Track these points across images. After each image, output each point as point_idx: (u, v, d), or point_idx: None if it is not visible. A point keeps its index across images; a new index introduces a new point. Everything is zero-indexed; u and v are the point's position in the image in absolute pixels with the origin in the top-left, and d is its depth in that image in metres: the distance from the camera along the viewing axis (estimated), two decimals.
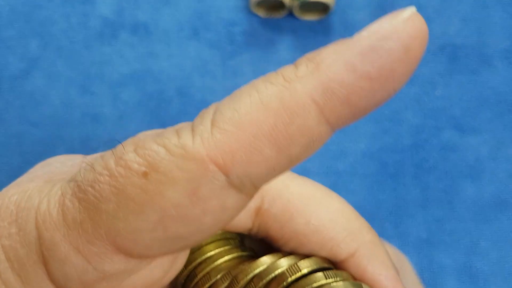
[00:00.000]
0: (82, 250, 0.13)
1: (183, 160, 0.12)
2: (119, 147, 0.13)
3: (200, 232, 0.13)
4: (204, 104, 0.36)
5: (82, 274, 0.13)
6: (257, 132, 0.12)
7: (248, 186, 0.13)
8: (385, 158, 0.35)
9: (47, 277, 0.13)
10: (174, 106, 0.36)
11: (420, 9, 0.40)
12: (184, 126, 0.13)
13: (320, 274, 0.16)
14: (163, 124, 0.36)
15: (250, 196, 0.13)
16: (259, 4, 0.37)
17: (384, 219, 0.34)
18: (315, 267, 0.17)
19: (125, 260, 0.13)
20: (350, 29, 0.37)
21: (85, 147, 0.36)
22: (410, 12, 0.13)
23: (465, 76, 0.36)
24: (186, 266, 0.17)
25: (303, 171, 0.34)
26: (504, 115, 0.35)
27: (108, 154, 0.13)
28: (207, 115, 0.13)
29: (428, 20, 0.37)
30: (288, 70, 0.13)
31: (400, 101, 0.36)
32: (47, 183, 0.14)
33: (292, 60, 0.36)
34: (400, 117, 0.35)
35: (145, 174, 0.12)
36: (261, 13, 0.37)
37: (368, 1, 0.38)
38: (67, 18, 0.38)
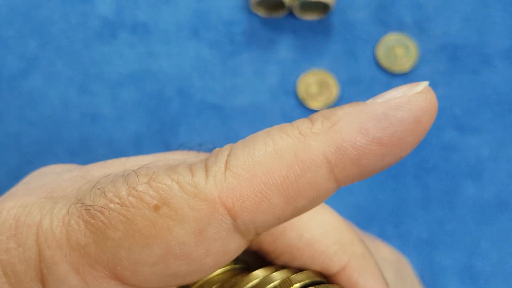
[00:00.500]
0: (82, 272, 0.13)
1: (194, 199, 0.13)
2: (133, 176, 0.13)
3: (199, 272, 0.14)
4: (204, 104, 0.36)
5: None
6: (269, 180, 0.13)
7: (251, 232, 0.13)
8: None
9: None
10: (173, 106, 0.36)
11: (421, 9, 0.40)
12: (198, 163, 0.14)
13: None
14: (163, 124, 0.36)
15: (250, 242, 0.14)
16: (259, 4, 0.37)
17: (384, 219, 0.34)
18: (307, 281, 0.17)
19: None
20: (350, 29, 0.37)
21: (84, 147, 0.36)
22: (423, 86, 0.14)
23: (466, 76, 0.36)
24: None
25: None
26: (505, 115, 0.35)
27: (120, 181, 0.13)
28: (222, 156, 0.13)
29: (428, 19, 0.37)
30: (304, 125, 0.14)
31: None
32: (48, 200, 0.15)
33: (292, 60, 0.36)
34: None
35: (156, 208, 0.13)
36: (261, 12, 0.37)
37: (368, 1, 0.38)
38: (67, 18, 0.38)
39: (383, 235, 0.34)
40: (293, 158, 0.13)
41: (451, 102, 0.36)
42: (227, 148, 0.14)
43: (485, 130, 0.35)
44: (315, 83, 0.36)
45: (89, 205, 0.13)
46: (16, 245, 0.14)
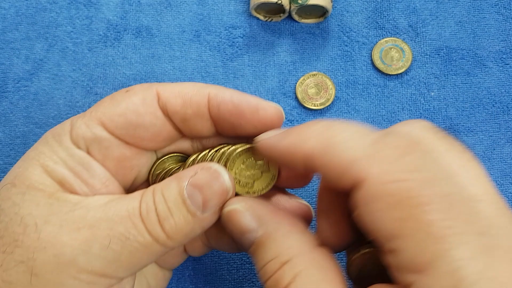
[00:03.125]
0: (87, 123, 0.24)
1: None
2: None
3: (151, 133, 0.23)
4: None
5: None
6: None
7: None
8: None
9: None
10: None
11: (416, 13, 0.41)
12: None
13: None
14: None
15: None
16: (258, 8, 0.37)
17: None
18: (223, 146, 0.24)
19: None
20: (347, 33, 0.37)
21: None
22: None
23: (460, 77, 0.36)
24: (151, 175, 0.25)
25: None
26: (499, 115, 0.35)
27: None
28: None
29: (424, 23, 0.37)
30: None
31: (397, 101, 0.36)
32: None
33: (291, 62, 0.37)
34: (396, 117, 0.36)
35: (127, 90, 0.25)
36: (261, 16, 0.37)
37: (365, 5, 0.38)
38: (72, 21, 0.38)
39: None
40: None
41: (445, 104, 0.36)
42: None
43: (479, 131, 0.35)
44: (313, 85, 0.36)
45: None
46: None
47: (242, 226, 0.22)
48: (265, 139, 0.23)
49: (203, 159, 0.24)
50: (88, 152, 0.23)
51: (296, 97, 0.36)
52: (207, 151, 0.25)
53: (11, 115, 0.36)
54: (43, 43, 0.38)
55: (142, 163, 0.25)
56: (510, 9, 0.37)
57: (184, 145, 0.26)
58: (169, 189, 0.21)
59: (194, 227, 0.22)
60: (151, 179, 0.26)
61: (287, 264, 0.20)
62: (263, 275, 0.21)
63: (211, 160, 0.24)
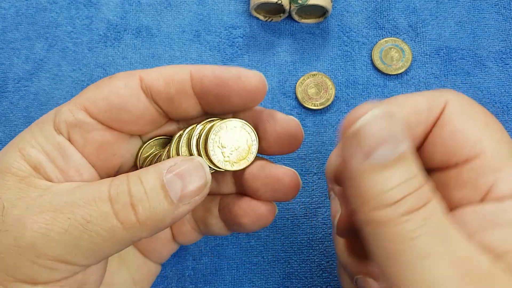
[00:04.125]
0: (72, 110, 0.24)
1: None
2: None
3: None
4: None
5: None
6: None
7: None
8: None
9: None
10: None
11: (416, 13, 0.41)
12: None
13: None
14: None
15: None
16: (258, 8, 0.37)
17: None
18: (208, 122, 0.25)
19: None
20: (347, 33, 0.37)
21: None
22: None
23: (460, 77, 0.36)
24: (139, 160, 0.26)
25: (304, 171, 0.35)
26: (498, 116, 0.35)
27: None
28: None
29: (424, 23, 0.37)
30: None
31: None
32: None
33: (291, 62, 0.37)
34: None
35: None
36: (261, 16, 0.38)
37: (365, 5, 0.38)
38: (72, 21, 0.38)
39: None
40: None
41: None
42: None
43: None
44: (313, 85, 0.36)
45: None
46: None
47: (390, 133, 0.18)
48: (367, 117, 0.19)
49: (190, 134, 0.24)
50: (69, 138, 0.23)
51: (296, 97, 0.36)
52: (195, 125, 0.25)
53: (11, 115, 0.36)
54: (43, 43, 0.38)
55: (126, 149, 0.25)
56: (510, 9, 0.38)
57: (171, 128, 0.26)
58: (147, 173, 0.21)
59: (167, 216, 0.21)
60: (139, 164, 0.26)
61: (426, 185, 0.18)
62: (402, 190, 0.18)
63: (199, 134, 0.24)
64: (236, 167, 0.24)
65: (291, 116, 0.24)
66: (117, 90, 0.23)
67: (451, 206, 0.20)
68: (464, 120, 0.20)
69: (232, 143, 0.24)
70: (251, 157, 0.25)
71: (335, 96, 0.36)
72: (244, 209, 0.25)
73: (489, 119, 0.20)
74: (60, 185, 0.21)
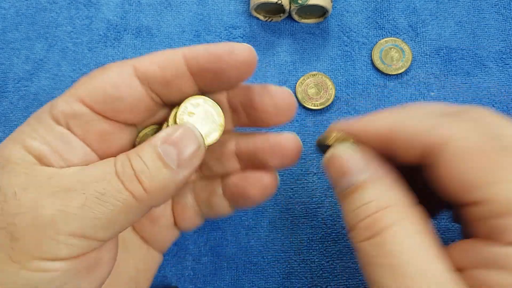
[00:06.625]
0: (68, 101, 0.24)
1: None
2: None
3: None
4: None
5: None
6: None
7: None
8: None
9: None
10: None
11: (416, 13, 0.41)
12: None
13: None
14: None
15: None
16: (258, 8, 0.37)
17: None
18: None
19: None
20: (347, 33, 0.38)
21: None
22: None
23: (460, 77, 0.36)
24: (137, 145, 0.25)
25: (304, 171, 0.35)
26: None
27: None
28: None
29: (424, 23, 0.37)
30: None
31: (397, 102, 0.36)
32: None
33: (291, 62, 0.37)
34: None
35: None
36: (261, 16, 0.38)
37: (365, 5, 0.38)
38: (72, 21, 0.38)
39: None
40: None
41: (445, 103, 0.36)
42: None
43: None
44: (313, 85, 0.36)
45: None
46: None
47: (349, 166, 0.22)
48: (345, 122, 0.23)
49: (176, 111, 0.25)
50: (68, 128, 0.23)
51: (296, 97, 0.36)
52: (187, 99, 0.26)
53: (11, 115, 0.36)
54: (43, 43, 0.38)
55: (124, 139, 0.25)
56: (510, 9, 0.38)
57: (164, 115, 0.26)
58: (143, 149, 0.22)
59: (170, 182, 0.22)
60: None
61: (387, 209, 0.20)
62: (355, 216, 0.21)
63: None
64: (209, 140, 0.25)
65: (283, 87, 0.26)
66: (112, 79, 0.23)
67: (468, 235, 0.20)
68: (467, 161, 0.19)
69: (199, 114, 0.25)
70: (221, 128, 0.25)
71: (335, 96, 0.36)
72: (251, 181, 0.27)
73: (504, 151, 0.19)
74: (65, 169, 0.22)
